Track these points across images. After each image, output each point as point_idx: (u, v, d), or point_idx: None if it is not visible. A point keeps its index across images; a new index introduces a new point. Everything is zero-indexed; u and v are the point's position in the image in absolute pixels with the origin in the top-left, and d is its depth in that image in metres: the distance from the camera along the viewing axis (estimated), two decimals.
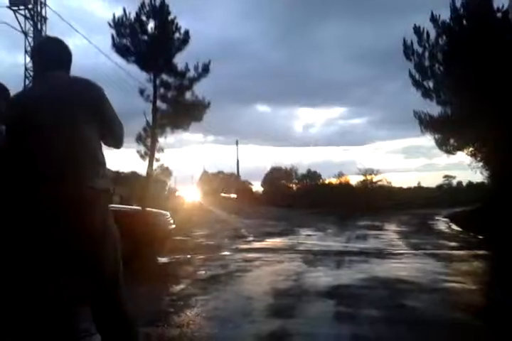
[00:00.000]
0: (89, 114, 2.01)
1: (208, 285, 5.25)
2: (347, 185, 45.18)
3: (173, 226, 8.62)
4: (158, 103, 20.46)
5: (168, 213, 8.73)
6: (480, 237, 11.02)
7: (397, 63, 17.27)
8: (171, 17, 19.29)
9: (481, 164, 16.91)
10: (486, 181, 18.62)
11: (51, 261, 1.86)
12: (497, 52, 13.64)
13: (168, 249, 8.55)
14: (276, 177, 57.48)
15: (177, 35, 19.26)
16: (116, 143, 2.25)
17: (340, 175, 48.85)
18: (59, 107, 1.97)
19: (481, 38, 14.32)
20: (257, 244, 9.72)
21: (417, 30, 16.75)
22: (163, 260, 7.69)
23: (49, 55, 2.20)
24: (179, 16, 18.63)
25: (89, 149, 1.98)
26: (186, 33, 19.35)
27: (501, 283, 5.32)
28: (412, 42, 16.79)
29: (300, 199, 34.01)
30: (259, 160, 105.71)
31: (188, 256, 7.86)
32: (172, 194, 46.76)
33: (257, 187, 60.78)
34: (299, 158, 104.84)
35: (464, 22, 16.10)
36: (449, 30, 16.24)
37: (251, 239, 10.88)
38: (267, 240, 10.52)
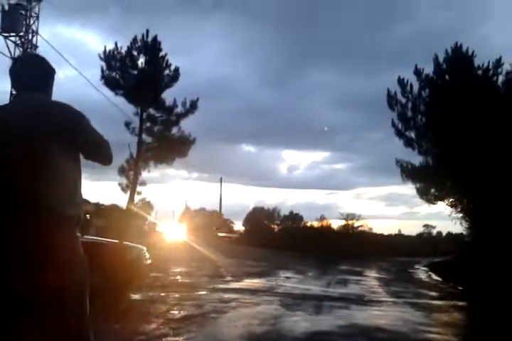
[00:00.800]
0: (67, 142, 1.87)
1: (180, 325, 5.02)
2: (328, 228, 45.03)
3: (149, 261, 8.37)
4: (144, 136, 20.49)
5: (144, 248, 8.49)
6: (459, 288, 10.93)
7: (381, 112, 17.78)
8: (162, 53, 19.72)
9: (460, 215, 17.08)
10: (464, 232, 18.75)
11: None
12: (477, 106, 14.17)
13: (143, 285, 8.26)
14: (258, 217, 57.20)
15: (167, 71, 19.64)
16: (105, 161, 2.15)
17: (322, 218, 48.81)
18: (31, 137, 1.80)
19: (462, 92, 14.92)
20: (235, 284, 9.45)
21: (401, 82, 17.40)
22: (135, 297, 7.39)
23: (27, 73, 2.00)
24: (170, 53, 19.06)
25: (63, 179, 1.85)
26: (176, 69, 19.76)
27: (480, 337, 5.22)
28: (395, 93, 17.39)
29: (281, 241, 33.64)
30: (243, 199, 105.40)
31: (163, 294, 7.58)
32: (152, 228, 46.00)
33: (239, 226, 60.27)
34: (282, 200, 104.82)
35: (447, 77, 16.81)
36: (432, 83, 16.90)
37: (229, 278, 10.59)
38: (246, 280, 10.25)
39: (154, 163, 21.54)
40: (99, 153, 2.09)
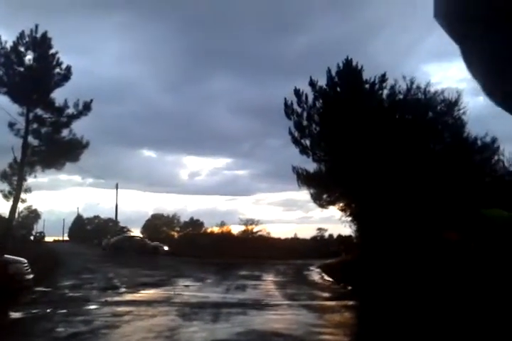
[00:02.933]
0: None
1: None
2: (228, 234, 45.36)
3: (31, 275, 7.65)
4: (30, 139, 18.89)
5: (25, 261, 7.75)
6: (349, 288, 11.59)
7: (280, 120, 18.36)
8: (52, 51, 18.38)
9: (349, 219, 18.21)
10: (353, 234, 20.03)
11: None
12: (364, 118, 15.29)
13: (24, 301, 7.51)
14: (157, 224, 55.76)
15: (57, 70, 18.38)
16: None
17: (222, 224, 49.06)
18: None
19: (351, 104, 16.02)
20: (129, 296, 8.98)
21: (297, 92, 18.17)
22: (16, 315, 6.67)
23: None
24: (64, 51, 17.87)
25: None
26: (68, 68, 18.56)
27: (368, 334, 5.53)
28: (292, 103, 18.10)
29: (181, 248, 33.07)
30: (141, 205, 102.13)
31: (48, 311, 6.93)
32: (38, 238, 42.46)
33: (137, 233, 58.16)
34: (183, 206, 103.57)
35: (338, 89, 17.91)
36: (325, 94, 17.90)
37: (123, 290, 10.04)
38: (141, 291, 9.81)
39: (41, 167, 19.90)
40: None
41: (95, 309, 7.24)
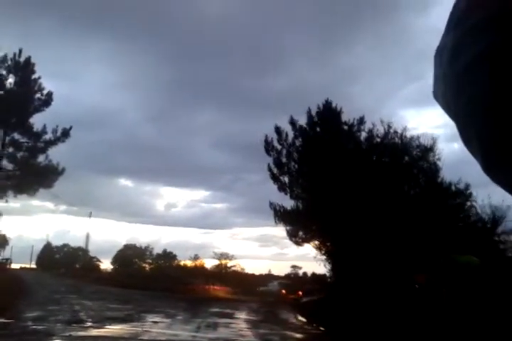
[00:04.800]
0: None
1: None
2: (202, 268, 44.52)
3: None
4: (4, 163, 18.55)
5: None
6: (322, 329, 11.43)
7: (260, 156, 18.60)
8: (34, 76, 18.44)
9: (324, 257, 18.21)
10: (327, 274, 19.97)
11: None
12: (342, 158, 15.65)
13: None
14: (129, 255, 54.39)
15: (38, 95, 18.38)
16: None
17: (196, 257, 48.21)
18: None
19: (330, 144, 16.42)
20: (95, 331, 8.65)
21: (278, 130, 18.57)
22: None
23: None
24: (46, 77, 18.01)
25: None
26: (49, 94, 18.59)
27: None
28: (272, 140, 18.45)
29: (152, 281, 32.17)
30: (114, 235, 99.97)
31: None
32: (4, 265, 40.77)
33: (107, 264, 56.60)
34: (157, 237, 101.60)
35: (318, 129, 18.38)
36: (305, 133, 18.32)
37: (89, 324, 9.67)
38: (108, 326, 9.45)
39: (14, 192, 19.49)
40: None
41: None
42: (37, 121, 18.56)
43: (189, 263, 47.40)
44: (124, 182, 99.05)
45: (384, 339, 7.62)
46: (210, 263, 46.49)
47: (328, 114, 18.24)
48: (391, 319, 8.41)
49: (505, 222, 14.01)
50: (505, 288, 5.57)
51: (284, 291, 28.67)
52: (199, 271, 41.23)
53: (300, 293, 26.74)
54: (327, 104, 18.46)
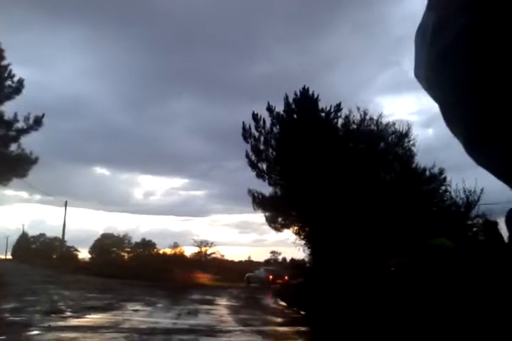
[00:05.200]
0: None
1: None
2: (181, 256, 44.54)
3: None
4: None
5: None
6: (302, 313, 11.64)
7: (238, 143, 18.56)
8: (4, 62, 17.91)
9: (303, 242, 18.46)
10: (306, 258, 20.28)
11: None
12: (319, 144, 15.75)
13: None
14: (107, 244, 53.95)
15: (9, 82, 17.85)
16: None
17: (175, 245, 48.17)
18: None
19: (307, 131, 16.49)
20: (74, 321, 8.60)
21: (255, 117, 18.52)
22: None
23: None
24: (17, 64, 17.50)
25: None
26: (20, 81, 18.07)
27: None
28: (250, 127, 18.40)
29: (131, 270, 32.06)
30: (91, 224, 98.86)
31: None
32: None
33: (85, 254, 56.07)
34: (135, 226, 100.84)
35: (295, 116, 18.41)
36: (282, 120, 18.34)
37: (68, 314, 9.60)
38: (88, 316, 9.41)
39: None
40: None
41: (37, 335, 6.88)
42: (8, 109, 18.06)
43: (169, 251, 47.39)
44: (100, 170, 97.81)
45: (361, 320, 7.82)
46: (189, 251, 46.59)
47: (305, 101, 18.27)
48: (367, 301, 8.62)
49: (478, 205, 14.42)
50: (477, 270, 5.77)
51: (270, 277, 29.20)
52: (179, 259, 41.24)
53: (286, 277, 27.43)
54: (304, 91, 18.47)
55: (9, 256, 70.02)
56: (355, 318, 8.17)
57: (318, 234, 16.23)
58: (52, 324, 8.01)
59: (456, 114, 0.55)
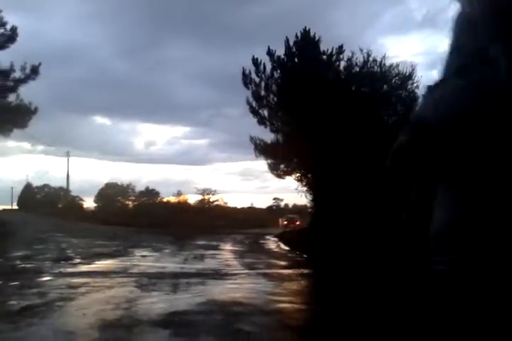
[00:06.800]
0: None
1: (20, 318, 4.47)
2: (185, 204, 45.28)
3: None
4: None
5: None
6: (305, 256, 11.96)
7: (239, 89, 18.08)
8: None
9: (305, 189, 18.60)
10: (308, 204, 20.57)
11: None
12: (321, 88, 15.33)
13: None
14: (111, 193, 54.67)
15: (1, 30, 17.15)
16: None
17: (179, 193, 48.84)
18: None
19: (309, 75, 15.97)
20: (84, 267, 8.84)
21: (255, 62, 17.88)
22: None
23: None
24: (8, 10, 16.66)
25: None
26: (14, 29, 17.34)
27: (322, 301, 5.76)
28: (250, 72, 17.83)
29: (137, 218, 32.72)
30: (95, 174, 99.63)
31: None
32: None
33: (90, 203, 56.97)
34: (138, 175, 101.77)
35: (296, 59, 17.76)
36: (283, 65, 17.72)
37: (78, 261, 9.87)
38: (97, 262, 9.67)
39: None
40: None
41: (49, 281, 7.07)
42: (3, 58, 17.49)
43: (172, 199, 48.10)
44: (101, 120, 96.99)
45: (362, 264, 8.00)
46: (193, 199, 47.28)
47: (306, 44, 17.55)
48: (369, 245, 8.78)
49: None
50: None
51: (285, 222, 33.40)
52: (183, 207, 41.94)
53: (298, 222, 31.39)
54: (305, 33, 17.68)
55: (15, 207, 71.43)
56: (356, 260, 8.36)
57: (319, 180, 16.28)
58: (63, 270, 8.24)
59: (499, 32, 0.59)
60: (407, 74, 16.44)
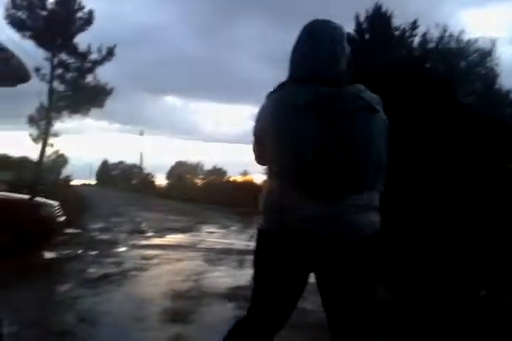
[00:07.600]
0: None
1: (98, 285, 4.88)
2: (251, 183, 45.90)
3: (63, 218, 7.99)
4: (56, 84, 18.93)
5: (57, 203, 8.07)
6: None
7: None
8: None
9: None
10: None
11: None
12: (393, 66, 14.64)
13: (57, 243, 7.91)
14: (181, 171, 56.69)
15: (80, 14, 18.00)
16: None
17: (245, 173, 49.60)
18: None
19: (381, 51, 15.28)
20: (156, 240, 9.36)
21: None
22: (49, 255, 7.07)
23: None
24: None
25: None
26: (90, 13, 18.15)
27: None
28: None
29: (204, 195, 33.73)
30: (166, 152, 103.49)
31: (79, 252, 7.31)
32: (67, 182, 43.84)
33: (162, 180, 59.47)
34: (207, 154, 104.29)
35: (367, 36, 17.05)
36: (353, 41, 17.09)
37: (150, 234, 10.46)
38: (168, 236, 10.19)
39: (68, 112, 20.09)
40: None
41: (124, 252, 7.58)
42: (81, 41, 18.43)
43: (239, 178, 48.95)
44: (172, 99, 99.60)
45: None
46: (259, 179, 47.76)
47: (378, 19, 16.78)
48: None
49: None
50: None
51: None
52: (249, 186, 42.56)
53: None
54: (376, 9, 16.89)
55: (94, 182, 76.51)
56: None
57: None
58: (136, 242, 8.78)
59: None
60: (487, 50, 15.30)
